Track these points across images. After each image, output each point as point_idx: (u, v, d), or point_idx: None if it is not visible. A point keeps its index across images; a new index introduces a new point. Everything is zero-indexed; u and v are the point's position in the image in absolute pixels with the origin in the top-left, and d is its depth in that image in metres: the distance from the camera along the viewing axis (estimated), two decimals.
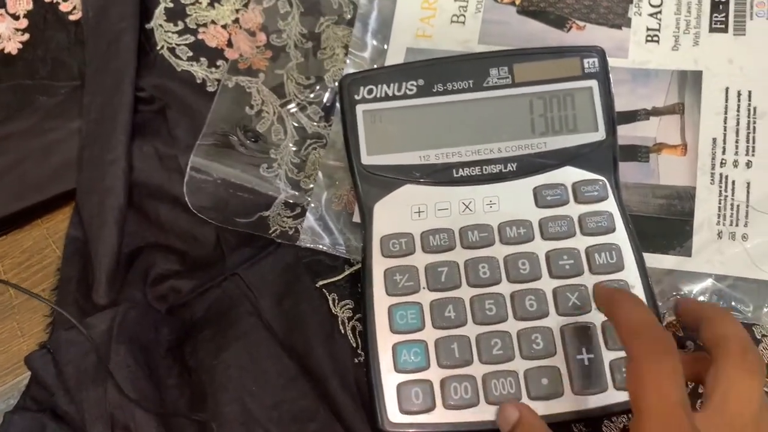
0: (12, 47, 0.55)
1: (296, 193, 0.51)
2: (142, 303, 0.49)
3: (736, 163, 0.48)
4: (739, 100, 0.49)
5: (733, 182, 0.48)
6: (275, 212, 0.50)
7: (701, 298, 0.46)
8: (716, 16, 0.51)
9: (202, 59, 0.54)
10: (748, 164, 0.48)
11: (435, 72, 0.48)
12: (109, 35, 0.53)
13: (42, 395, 0.46)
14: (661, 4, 0.52)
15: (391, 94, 0.48)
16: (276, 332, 0.48)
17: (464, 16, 0.53)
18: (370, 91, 0.48)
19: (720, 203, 0.48)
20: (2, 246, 0.52)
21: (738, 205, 0.48)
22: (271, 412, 0.45)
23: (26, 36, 0.56)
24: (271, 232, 0.50)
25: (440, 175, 0.47)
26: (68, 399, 0.44)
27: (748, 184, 0.48)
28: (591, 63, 0.47)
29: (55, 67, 0.55)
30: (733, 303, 0.46)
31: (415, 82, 0.48)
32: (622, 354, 0.43)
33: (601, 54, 0.47)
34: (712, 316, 0.41)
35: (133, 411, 0.43)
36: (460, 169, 0.47)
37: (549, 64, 0.48)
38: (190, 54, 0.54)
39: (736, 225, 0.48)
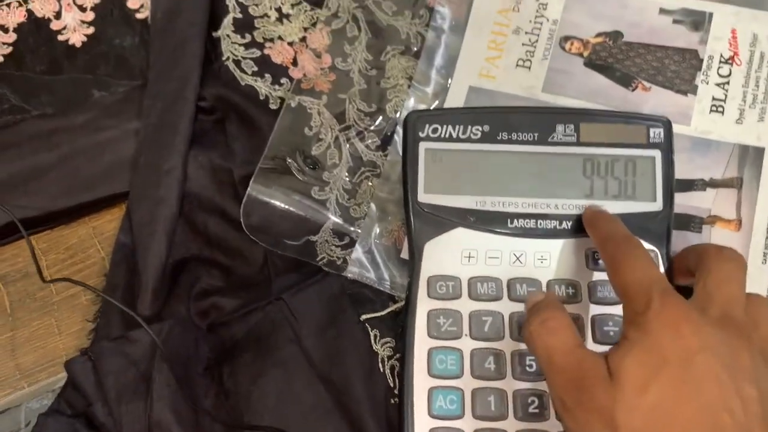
0: (77, 39, 0.55)
1: (344, 220, 0.51)
2: (185, 318, 0.49)
3: None
4: None
5: None
6: (323, 238, 0.50)
7: None
8: None
9: (267, 75, 0.54)
10: None
11: (501, 120, 0.48)
12: (175, 40, 0.53)
13: (78, 401, 0.46)
14: (730, 74, 0.52)
15: (455, 136, 0.48)
16: (315, 363, 0.48)
17: (530, 61, 0.53)
18: (434, 130, 0.48)
19: None
20: (47, 241, 0.52)
21: None
22: None
23: (91, 29, 0.55)
24: (318, 259, 0.50)
25: (494, 223, 0.47)
26: (107, 411, 0.44)
27: None
28: (657, 133, 0.47)
29: (117, 64, 0.55)
30: None
31: (480, 128, 0.48)
32: None
33: (668, 125, 0.47)
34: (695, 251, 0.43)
35: (172, 430, 0.43)
36: (515, 220, 0.47)
37: (615, 128, 0.48)
38: (255, 69, 0.54)
39: None
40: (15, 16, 0.55)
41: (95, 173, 0.52)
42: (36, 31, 0.55)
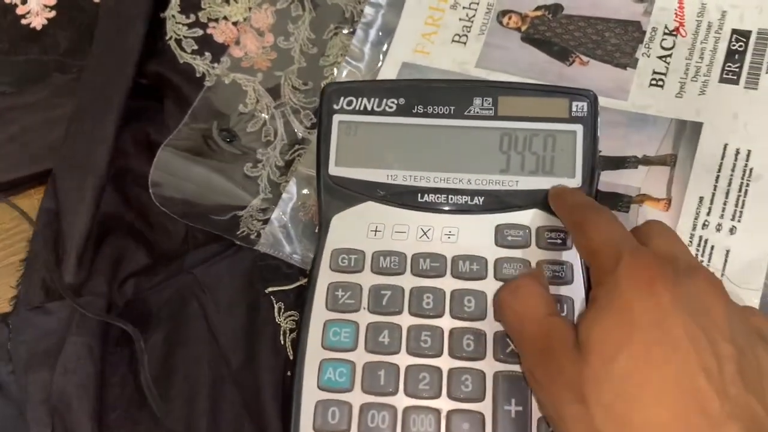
0: (38, 22, 0.58)
1: (274, 196, 0.51)
2: (105, 294, 0.49)
3: (719, 227, 0.45)
4: (736, 159, 0.46)
5: (712, 247, 0.45)
6: (248, 213, 0.51)
7: None
8: (729, 66, 0.48)
9: (207, 54, 0.55)
10: (732, 230, 0.45)
11: (418, 93, 0.47)
12: (122, 19, 0.55)
13: None
14: (673, 46, 0.49)
15: (370, 109, 0.47)
16: (221, 336, 0.48)
17: (467, 36, 0.52)
18: (349, 103, 0.47)
19: None
20: None
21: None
22: (201, 419, 0.46)
23: (53, 13, 0.58)
24: (239, 232, 0.50)
25: (404, 197, 0.46)
26: (13, 376, 0.45)
27: (728, 252, 0.45)
28: (579, 107, 0.45)
29: (73, 46, 0.57)
30: None
31: (395, 101, 0.47)
32: None
33: (593, 99, 0.45)
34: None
35: (71, 404, 0.44)
36: (425, 195, 0.46)
37: (535, 101, 0.46)
38: (195, 47, 0.55)
39: None
40: None
41: (44, 148, 0.54)
42: (3, 16, 0.58)
